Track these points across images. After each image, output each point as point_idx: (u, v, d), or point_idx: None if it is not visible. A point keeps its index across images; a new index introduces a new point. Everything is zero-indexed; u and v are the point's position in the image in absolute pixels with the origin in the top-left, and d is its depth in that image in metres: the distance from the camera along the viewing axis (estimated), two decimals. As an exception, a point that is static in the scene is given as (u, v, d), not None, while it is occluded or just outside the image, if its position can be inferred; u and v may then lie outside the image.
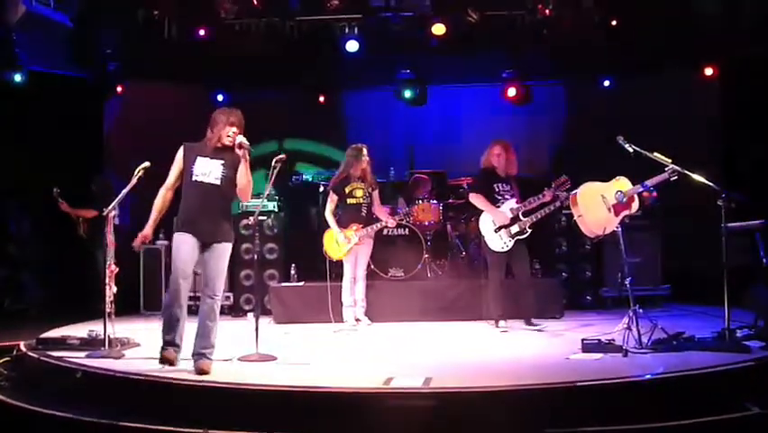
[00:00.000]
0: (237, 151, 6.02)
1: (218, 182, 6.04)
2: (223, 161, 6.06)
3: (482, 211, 8.22)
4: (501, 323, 8.18)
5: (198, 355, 5.93)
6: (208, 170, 6.04)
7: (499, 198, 8.16)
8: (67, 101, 10.77)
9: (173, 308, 5.95)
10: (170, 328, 5.95)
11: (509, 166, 8.28)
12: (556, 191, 7.87)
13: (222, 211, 6.15)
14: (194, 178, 6.03)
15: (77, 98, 10.96)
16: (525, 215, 8.02)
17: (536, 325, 8.04)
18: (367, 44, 10.87)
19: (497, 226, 8.06)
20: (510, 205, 8.10)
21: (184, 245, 5.99)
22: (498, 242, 8.07)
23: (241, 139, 6.03)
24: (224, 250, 6.11)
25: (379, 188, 8.84)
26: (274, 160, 6.44)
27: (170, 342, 5.95)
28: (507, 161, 8.25)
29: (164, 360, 5.92)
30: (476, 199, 8.23)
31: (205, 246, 6.04)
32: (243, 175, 6.03)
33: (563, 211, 7.81)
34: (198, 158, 6.06)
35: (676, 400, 5.15)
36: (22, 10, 8.99)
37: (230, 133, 6.06)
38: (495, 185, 8.21)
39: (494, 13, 10.51)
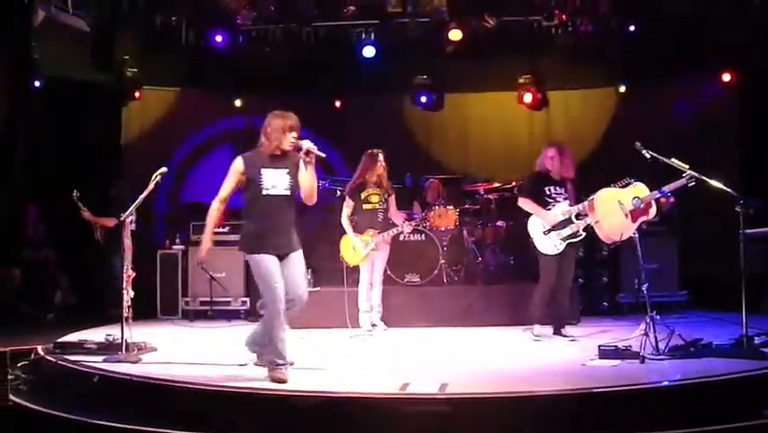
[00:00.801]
0: (304, 157, 5.80)
1: (288, 192, 5.89)
2: (287, 170, 5.88)
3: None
4: (536, 328, 7.93)
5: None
6: (277, 182, 5.85)
7: (550, 201, 7.81)
8: (84, 106, 10.83)
9: (282, 331, 5.86)
10: (280, 350, 5.85)
11: (564, 169, 7.89)
12: None
13: (293, 220, 6.03)
14: (264, 192, 5.85)
15: (95, 103, 11.01)
16: (578, 217, 7.64)
17: (567, 336, 7.79)
18: (383, 50, 10.88)
19: (546, 229, 7.74)
20: (562, 207, 7.74)
21: (274, 269, 5.82)
22: (549, 244, 7.74)
23: (308, 144, 5.79)
24: (300, 255, 6.07)
25: (395, 193, 8.82)
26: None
27: (286, 363, 5.86)
28: (561, 164, 7.87)
29: (280, 380, 5.72)
30: (524, 203, 7.93)
31: (281, 258, 5.92)
32: (309, 178, 5.84)
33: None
34: (263, 170, 5.85)
35: (693, 407, 5.13)
36: (40, 15, 9.04)
37: (291, 138, 5.86)
38: (547, 188, 7.85)
39: (511, 19, 10.51)
